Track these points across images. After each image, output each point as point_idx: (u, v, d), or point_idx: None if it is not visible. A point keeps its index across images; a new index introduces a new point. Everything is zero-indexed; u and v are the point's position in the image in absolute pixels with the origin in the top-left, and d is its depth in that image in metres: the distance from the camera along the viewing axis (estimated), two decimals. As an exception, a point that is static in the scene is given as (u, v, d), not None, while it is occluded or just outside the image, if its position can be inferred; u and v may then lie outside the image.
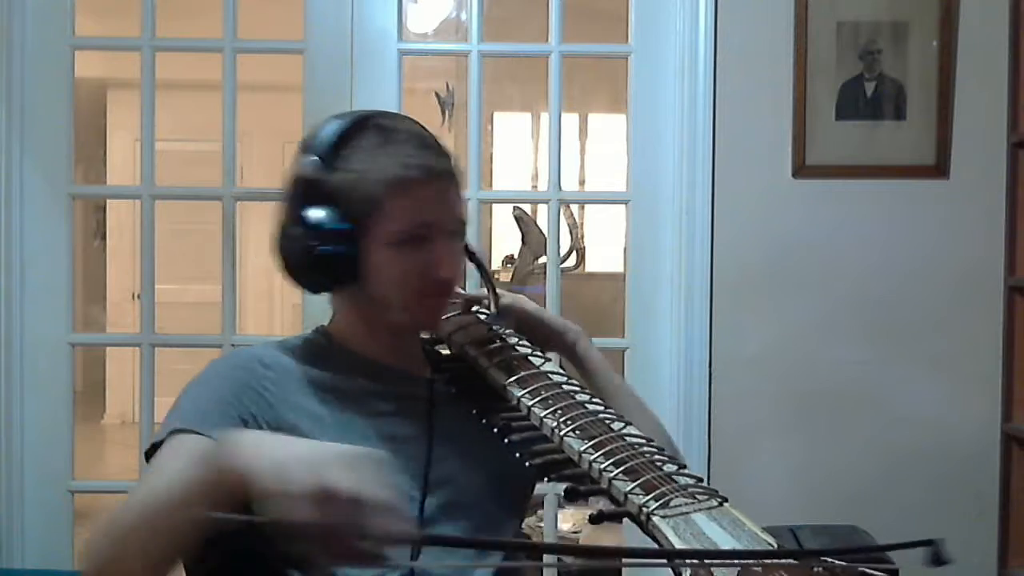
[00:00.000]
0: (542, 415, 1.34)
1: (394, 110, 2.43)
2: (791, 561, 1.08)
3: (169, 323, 2.83)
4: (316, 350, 1.41)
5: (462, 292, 1.62)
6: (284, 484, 0.96)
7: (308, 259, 1.34)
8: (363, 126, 1.36)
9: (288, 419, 1.31)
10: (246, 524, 0.96)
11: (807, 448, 2.51)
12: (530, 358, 1.46)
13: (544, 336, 1.52)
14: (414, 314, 1.39)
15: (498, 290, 1.54)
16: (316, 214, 1.33)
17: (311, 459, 0.98)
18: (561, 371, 1.45)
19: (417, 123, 1.42)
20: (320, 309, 1.50)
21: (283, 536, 0.94)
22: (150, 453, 1.25)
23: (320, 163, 1.34)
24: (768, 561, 1.06)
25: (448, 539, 1.14)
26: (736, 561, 1.08)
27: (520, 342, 1.50)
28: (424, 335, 1.52)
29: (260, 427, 1.28)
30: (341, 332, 1.44)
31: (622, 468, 1.22)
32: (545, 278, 2.77)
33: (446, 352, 1.52)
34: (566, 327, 1.56)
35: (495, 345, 1.47)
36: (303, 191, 1.34)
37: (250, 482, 1.00)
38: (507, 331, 1.52)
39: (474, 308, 1.54)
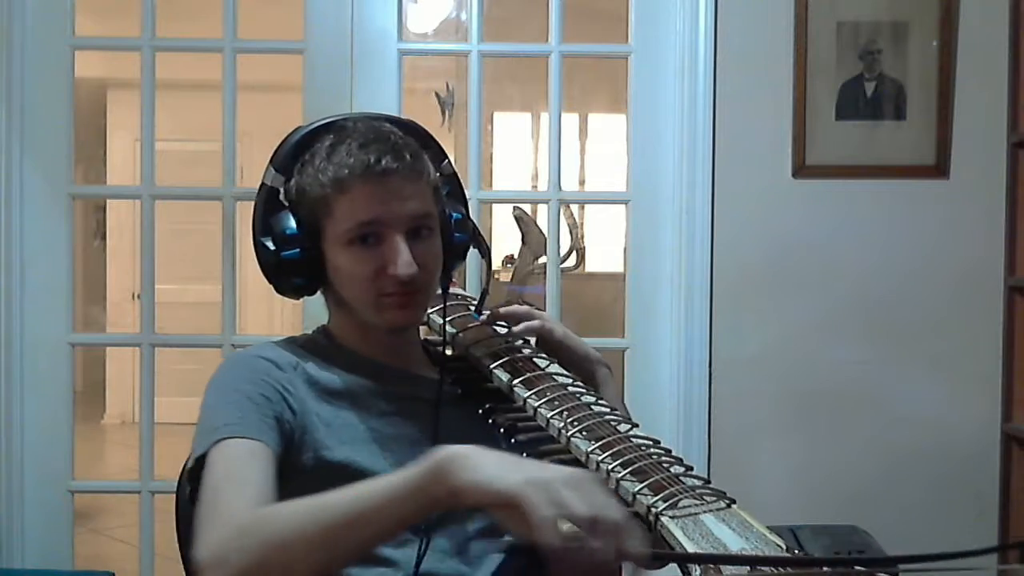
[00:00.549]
0: (548, 416, 1.34)
1: (393, 110, 2.44)
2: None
3: (169, 323, 2.83)
4: (320, 350, 1.42)
5: (461, 291, 1.62)
6: (564, 510, 0.96)
7: (274, 266, 1.39)
8: (323, 132, 1.40)
9: (306, 420, 1.32)
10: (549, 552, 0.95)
11: (807, 448, 2.51)
12: (535, 359, 1.46)
13: (565, 360, 1.51)
14: (380, 313, 1.39)
15: (533, 311, 1.54)
16: (274, 222, 1.39)
17: (546, 481, 0.98)
18: (566, 373, 1.45)
19: (383, 121, 1.43)
20: (319, 309, 1.50)
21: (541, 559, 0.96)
22: (195, 470, 1.23)
23: (279, 172, 1.40)
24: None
25: (682, 555, 1.11)
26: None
27: (524, 344, 1.50)
28: (427, 336, 1.52)
29: (288, 428, 1.29)
30: (340, 332, 1.45)
31: (630, 469, 1.23)
32: (545, 278, 2.77)
33: (449, 352, 1.52)
34: (588, 355, 1.54)
35: (500, 346, 1.47)
36: (264, 201, 1.41)
37: (477, 500, 1.01)
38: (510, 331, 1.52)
39: (472, 310, 1.54)
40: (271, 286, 1.44)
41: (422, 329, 1.53)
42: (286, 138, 1.43)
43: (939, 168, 2.48)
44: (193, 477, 1.25)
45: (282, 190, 1.41)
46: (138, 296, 3.05)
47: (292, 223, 1.38)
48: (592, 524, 0.96)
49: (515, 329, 1.51)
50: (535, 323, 1.52)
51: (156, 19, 2.48)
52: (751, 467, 2.49)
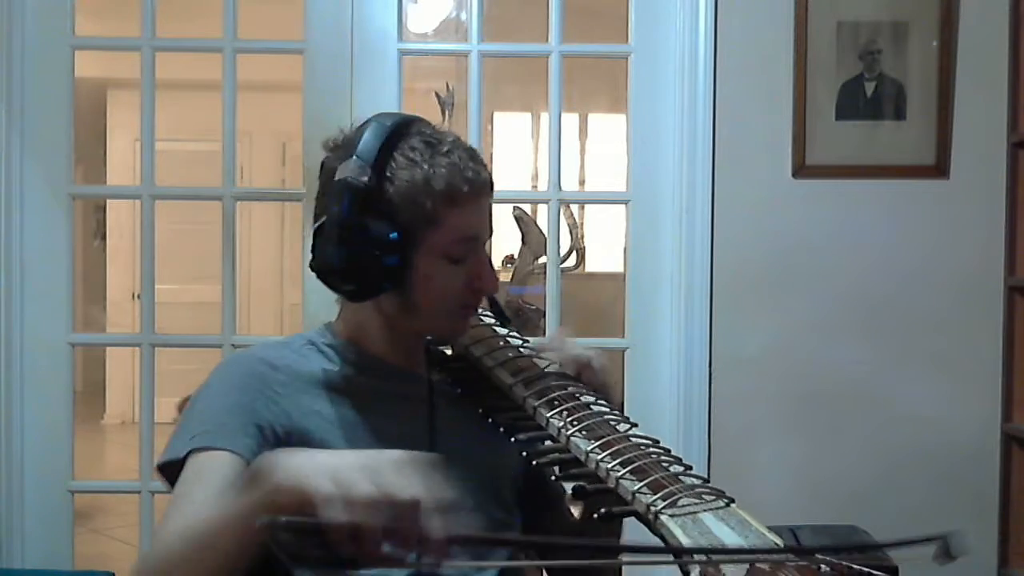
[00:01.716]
0: (548, 415, 1.34)
1: (394, 110, 2.44)
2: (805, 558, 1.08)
3: (169, 323, 2.83)
4: (322, 349, 1.41)
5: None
6: (346, 490, 0.97)
7: (365, 269, 1.32)
8: (406, 132, 1.34)
9: (300, 423, 1.31)
10: (310, 527, 0.96)
11: (807, 448, 2.51)
12: (535, 360, 1.46)
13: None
14: (454, 323, 1.41)
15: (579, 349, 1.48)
16: (372, 225, 1.30)
17: (367, 466, 1.00)
18: (565, 372, 1.45)
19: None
20: (320, 309, 1.50)
21: (342, 540, 0.97)
22: (166, 469, 1.26)
23: (369, 169, 1.30)
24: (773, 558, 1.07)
25: (499, 539, 1.12)
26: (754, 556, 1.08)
27: (524, 343, 1.50)
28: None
29: (276, 432, 1.29)
30: (350, 331, 1.43)
31: (629, 468, 1.23)
32: (545, 278, 2.78)
33: (448, 352, 1.52)
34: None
35: (499, 346, 1.47)
36: (352, 198, 1.30)
37: (308, 493, 1.00)
38: (510, 332, 1.52)
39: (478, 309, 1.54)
40: (325, 282, 1.36)
41: None
42: (361, 131, 1.33)
43: (939, 168, 2.48)
44: (164, 475, 1.27)
45: (368, 190, 1.30)
46: (138, 296, 3.05)
47: (390, 227, 1.30)
48: (414, 506, 0.97)
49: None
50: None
51: (156, 19, 2.48)
52: (751, 467, 2.49)
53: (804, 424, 2.51)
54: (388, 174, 1.31)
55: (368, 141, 1.32)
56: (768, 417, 2.50)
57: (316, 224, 1.34)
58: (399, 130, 1.34)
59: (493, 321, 1.54)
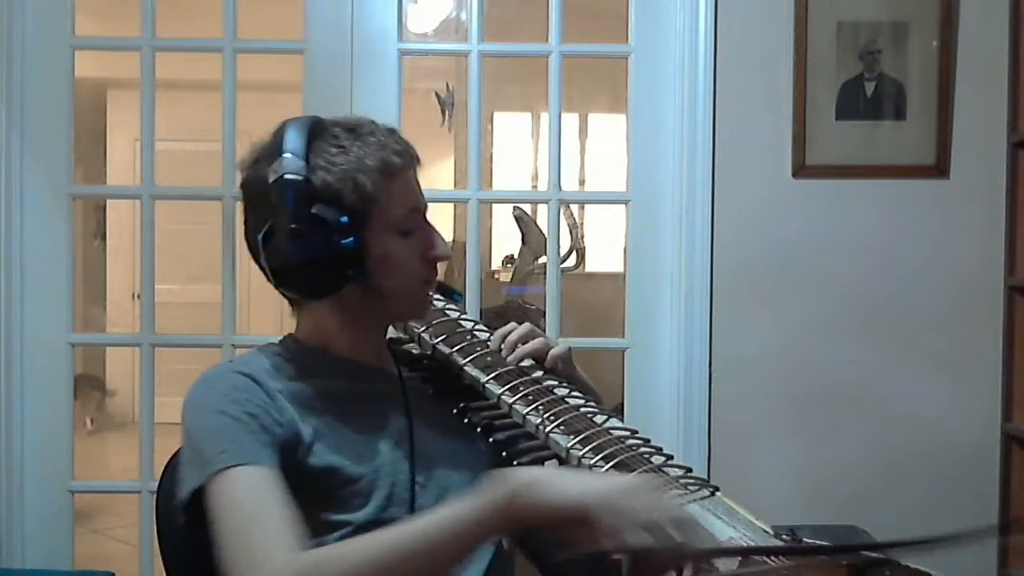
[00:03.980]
0: (524, 412, 1.33)
1: (393, 110, 2.45)
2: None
3: (169, 323, 2.83)
4: (293, 358, 1.39)
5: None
6: (615, 515, 1.01)
7: (317, 259, 1.30)
8: (323, 125, 1.36)
9: (291, 432, 1.30)
10: (596, 556, 1.01)
11: (807, 448, 2.51)
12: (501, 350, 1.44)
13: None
14: (415, 302, 1.41)
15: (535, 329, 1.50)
16: (321, 212, 1.30)
17: (606, 491, 1.03)
18: (535, 363, 1.43)
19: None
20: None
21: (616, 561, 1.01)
22: (192, 502, 1.23)
23: (302, 163, 1.30)
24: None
25: (739, 549, 1.13)
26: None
27: (491, 337, 1.48)
28: (392, 335, 1.51)
29: (280, 441, 1.27)
30: (313, 337, 1.41)
31: (612, 463, 1.22)
32: (545, 278, 2.77)
33: (416, 351, 1.50)
34: (587, 384, 1.52)
35: (466, 341, 1.45)
36: (295, 192, 1.29)
37: (546, 521, 1.04)
38: (478, 326, 1.50)
39: (440, 304, 1.52)
40: (281, 287, 1.35)
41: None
42: (281, 132, 1.33)
43: (939, 168, 2.48)
44: (189, 507, 1.24)
45: (307, 183, 1.30)
46: (138, 296, 3.05)
47: (340, 213, 1.30)
48: (652, 527, 1.00)
49: (516, 355, 1.44)
50: (538, 343, 1.46)
51: (156, 19, 2.48)
52: (751, 467, 2.49)
53: (804, 424, 2.51)
54: (323, 163, 1.32)
55: (292, 139, 1.32)
56: (768, 417, 2.50)
57: (261, 234, 1.32)
58: (316, 125, 1.36)
59: (457, 315, 1.51)
